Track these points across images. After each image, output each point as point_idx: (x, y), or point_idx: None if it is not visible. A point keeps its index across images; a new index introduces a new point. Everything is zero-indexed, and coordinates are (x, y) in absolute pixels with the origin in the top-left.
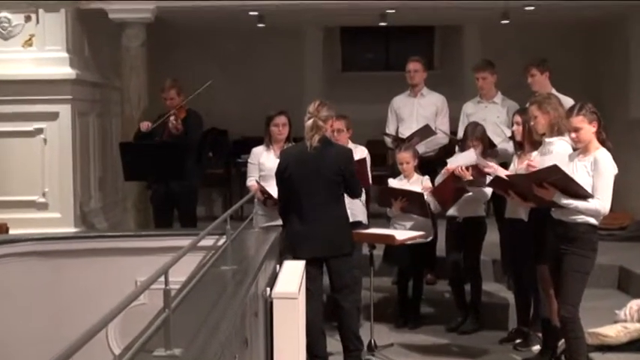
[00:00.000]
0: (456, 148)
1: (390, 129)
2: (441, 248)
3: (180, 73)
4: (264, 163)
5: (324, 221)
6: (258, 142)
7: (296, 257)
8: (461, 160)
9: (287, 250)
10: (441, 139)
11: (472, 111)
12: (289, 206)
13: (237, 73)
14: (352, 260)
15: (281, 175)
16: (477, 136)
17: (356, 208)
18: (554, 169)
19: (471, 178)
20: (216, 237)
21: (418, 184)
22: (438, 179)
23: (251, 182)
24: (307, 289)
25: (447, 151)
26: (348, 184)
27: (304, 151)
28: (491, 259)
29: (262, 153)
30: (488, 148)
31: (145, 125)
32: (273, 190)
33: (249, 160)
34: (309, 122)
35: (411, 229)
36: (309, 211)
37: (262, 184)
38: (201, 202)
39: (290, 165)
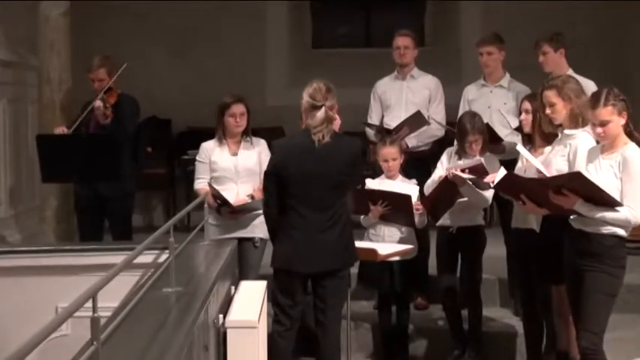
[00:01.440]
0: (455, 142)
1: (373, 118)
2: (433, 265)
3: (113, 50)
4: (216, 162)
5: (331, 229)
6: (209, 134)
7: (290, 272)
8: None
9: (278, 263)
10: (436, 130)
11: (474, 96)
12: (284, 212)
13: (183, 50)
14: (348, 277)
15: (278, 174)
16: (480, 129)
17: None
18: (577, 176)
19: (469, 182)
20: (157, 252)
21: (403, 187)
22: (429, 186)
23: (200, 185)
24: (287, 314)
25: (442, 145)
26: (353, 184)
27: (310, 147)
28: (496, 277)
29: (214, 149)
30: (493, 143)
31: (59, 130)
32: (228, 194)
33: (197, 158)
34: (321, 114)
35: (391, 241)
36: (314, 217)
37: (215, 186)
38: (139, 209)
39: (291, 163)
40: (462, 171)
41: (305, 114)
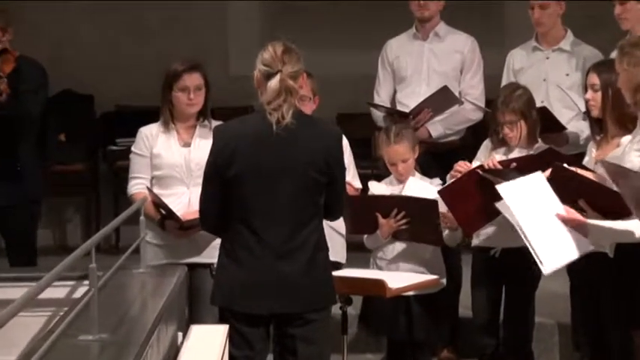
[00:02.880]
0: None
1: (382, 95)
2: (466, 305)
3: None
4: (161, 155)
5: (296, 253)
6: (149, 116)
7: (237, 312)
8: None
9: (221, 299)
10: (470, 112)
11: (523, 64)
12: (229, 226)
13: None
14: (329, 319)
15: (220, 171)
16: (516, 107)
17: (333, 243)
18: None
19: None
20: (73, 283)
21: (420, 190)
22: None
23: (137, 188)
24: None
25: (479, 134)
26: (332, 191)
27: (265, 133)
28: (555, 321)
29: (157, 137)
30: (550, 131)
31: None
32: (177, 202)
33: (133, 149)
34: (275, 83)
35: (407, 268)
36: (271, 235)
37: (157, 191)
38: (47, 223)
39: (239, 155)
40: (506, 166)
41: (259, 88)
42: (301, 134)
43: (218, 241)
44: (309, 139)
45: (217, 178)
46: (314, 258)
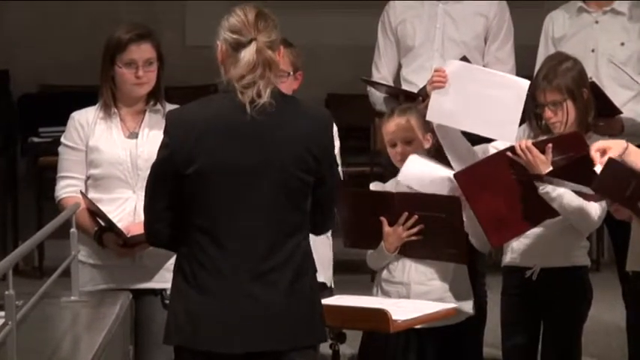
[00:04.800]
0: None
1: (382, 70)
2: (492, 342)
3: None
4: (99, 149)
5: (274, 274)
6: (84, 99)
7: (198, 353)
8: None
9: (177, 336)
10: None
11: (565, 31)
12: (186, 240)
13: None
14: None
15: (177, 169)
16: (561, 84)
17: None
18: None
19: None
20: None
21: (435, 182)
22: None
23: (68, 192)
24: None
25: None
26: (320, 195)
27: (236, 118)
28: None
29: (95, 125)
30: (602, 116)
31: None
32: (120, 210)
33: (62, 141)
34: (250, 53)
35: (422, 292)
36: (242, 252)
37: (94, 196)
38: None
39: (202, 148)
40: (542, 150)
41: (225, 62)
42: (282, 120)
43: (173, 261)
44: (292, 126)
45: (171, 176)
46: (296, 280)
